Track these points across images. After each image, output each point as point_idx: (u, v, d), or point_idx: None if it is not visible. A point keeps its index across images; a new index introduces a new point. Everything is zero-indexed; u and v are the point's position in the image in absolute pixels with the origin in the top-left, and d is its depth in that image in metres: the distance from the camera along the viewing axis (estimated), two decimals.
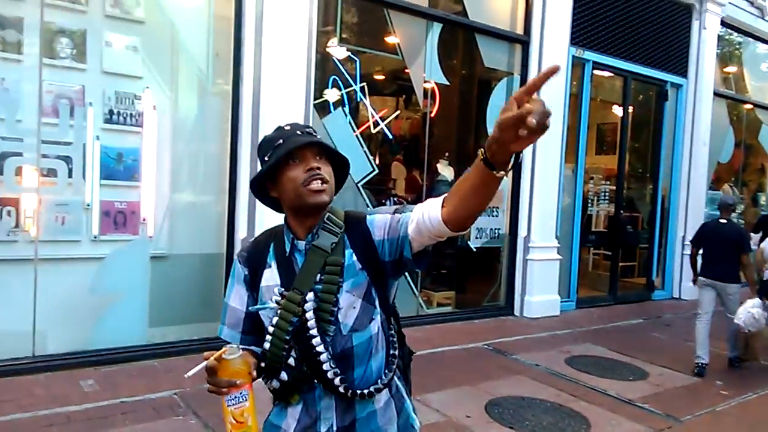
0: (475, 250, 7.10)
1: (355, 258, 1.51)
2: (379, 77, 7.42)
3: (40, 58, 4.47)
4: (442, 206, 1.34)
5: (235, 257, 1.64)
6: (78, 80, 4.65)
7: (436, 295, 7.08)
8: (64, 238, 4.64)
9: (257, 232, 4.92)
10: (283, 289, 1.50)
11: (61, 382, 4.24)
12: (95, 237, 4.75)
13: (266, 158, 1.53)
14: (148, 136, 4.95)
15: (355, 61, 6.14)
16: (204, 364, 1.36)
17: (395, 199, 6.95)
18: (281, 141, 1.51)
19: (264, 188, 1.58)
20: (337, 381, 1.48)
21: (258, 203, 4.91)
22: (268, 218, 1.75)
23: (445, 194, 1.35)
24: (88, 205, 4.72)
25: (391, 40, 6.41)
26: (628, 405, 4.56)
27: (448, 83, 6.94)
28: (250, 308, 1.57)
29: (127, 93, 4.85)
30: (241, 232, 5.14)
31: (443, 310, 7.03)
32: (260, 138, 4.99)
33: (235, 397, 1.33)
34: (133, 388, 4.22)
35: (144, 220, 4.97)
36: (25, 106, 4.45)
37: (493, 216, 7.21)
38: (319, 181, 1.48)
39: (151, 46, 4.97)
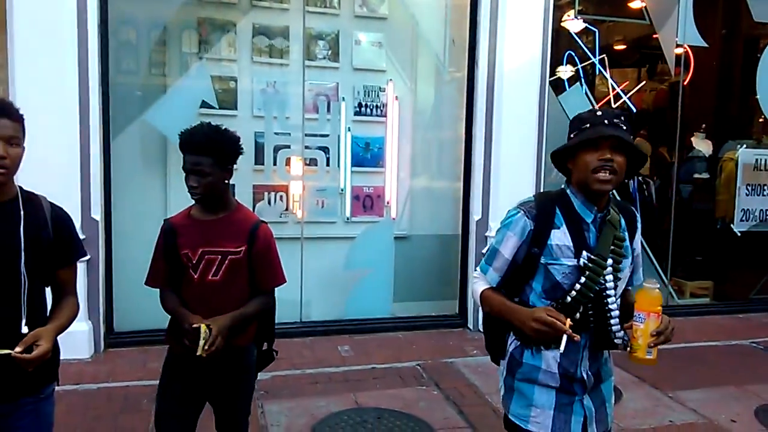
0: (739, 234, 6.19)
1: (628, 240, 1.83)
2: (620, 47, 6.86)
3: (303, 61, 5.08)
4: None
5: (518, 212, 1.79)
6: (333, 78, 5.19)
7: (690, 285, 6.36)
8: (323, 220, 5.25)
9: (492, 215, 5.06)
10: (589, 254, 1.73)
11: (323, 346, 4.83)
12: (348, 219, 5.29)
13: (572, 136, 1.75)
14: (391, 125, 5.32)
15: (594, 32, 5.77)
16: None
17: (639, 178, 6.38)
18: (588, 126, 1.69)
19: (563, 158, 1.79)
20: (620, 334, 1.74)
21: (491, 186, 5.05)
22: (503, 201, 1.91)
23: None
24: (342, 190, 5.26)
25: (636, 4, 5.89)
26: None
27: (706, 46, 6.12)
28: (542, 260, 1.75)
29: (373, 86, 5.27)
30: (475, 215, 5.24)
31: (698, 302, 6.29)
32: (494, 123, 5.09)
33: (640, 317, 1.65)
34: (381, 356, 4.62)
35: (388, 203, 5.37)
36: (292, 105, 5.12)
37: (763, 195, 6.20)
38: (607, 172, 1.66)
39: (394, 40, 5.31)
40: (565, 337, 1.60)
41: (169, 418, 2.18)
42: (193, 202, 2.16)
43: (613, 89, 5.93)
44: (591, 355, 1.80)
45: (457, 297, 5.40)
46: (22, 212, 1.74)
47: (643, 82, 6.71)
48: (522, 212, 1.78)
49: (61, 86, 4.12)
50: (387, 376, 4.24)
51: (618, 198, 2.01)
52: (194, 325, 1.97)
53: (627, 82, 6.24)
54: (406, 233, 5.46)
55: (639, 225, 1.90)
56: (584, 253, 1.73)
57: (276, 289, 2.32)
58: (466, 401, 3.79)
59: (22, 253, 1.71)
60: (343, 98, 5.20)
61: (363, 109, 5.27)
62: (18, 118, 1.72)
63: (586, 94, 5.73)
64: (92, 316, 4.34)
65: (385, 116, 5.31)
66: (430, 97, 5.55)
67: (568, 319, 1.64)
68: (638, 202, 6.16)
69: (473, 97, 5.27)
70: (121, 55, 4.70)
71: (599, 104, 5.81)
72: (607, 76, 5.89)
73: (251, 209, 4.94)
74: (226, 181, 2.14)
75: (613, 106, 5.92)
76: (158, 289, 2.21)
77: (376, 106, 5.30)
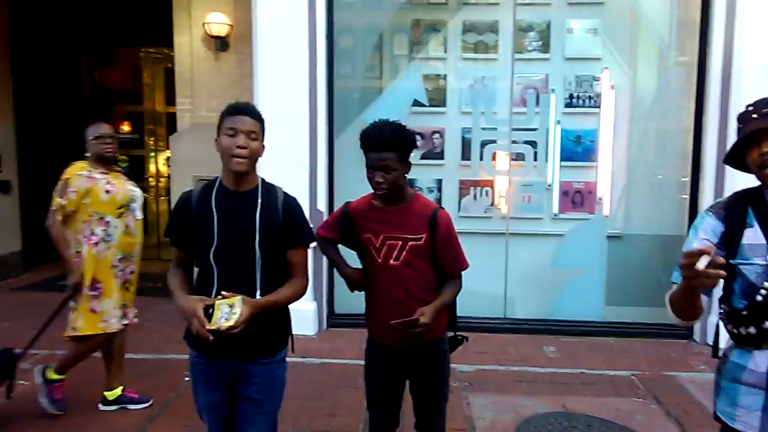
0: None
1: None
2: None
3: (512, 55, 5.02)
4: None
5: (707, 214, 1.75)
6: (542, 70, 5.04)
7: None
8: (529, 216, 5.13)
9: None
10: None
11: (527, 345, 4.73)
12: (555, 215, 5.10)
13: (739, 128, 1.70)
14: (605, 116, 5.00)
15: None
16: None
17: None
18: (755, 116, 1.64)
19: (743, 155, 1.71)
20: None
21: (725, 185, 4.46)
22: None
23: None
24: (549, 186, 5.08)
25: None
26: None
27: None
28: (731, 261, 1.65)
29: (586, 76, 5.00)
30: None
31: None
32: (731, 115, 4.48)
33: None
34: (591, 361, 4.38)
35: (600, 199, 5.06)
36: (499, 99, 5.09)
37: None
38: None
39: (611, 25, 4.98)
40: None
41: (378, 403, 2.36)
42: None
43: None
44: None
45: None
46: (259, 200, 2.03)
47: None
48: (711, 214, 1.74)
49: (295, 92, 4.62)
50: (598, 383, 4.01)
51: None
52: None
53: None
54: (621, 232, 5.09)
55: None
56: None
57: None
58: (692, 421, 3.42)
59: (257, 234, 1.99)
60: (553, 90, 5.02)
61: (574, 100, 5.03)
62: (257, 118, 2.02)
63: None
64: (317, 297, 4.83)
65: (599, 107, 5.00)
66: (650, 84, 5.09)
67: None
68: None
69: (704, 85, 4.72)
70: (342, 60, 5.11)
71: None
72: None
73: (457, 204, 5.05)
74: (406, 175, 2.22)
75: None
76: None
77: (589, 96, 5.02)
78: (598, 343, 4.79)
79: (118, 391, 3.50)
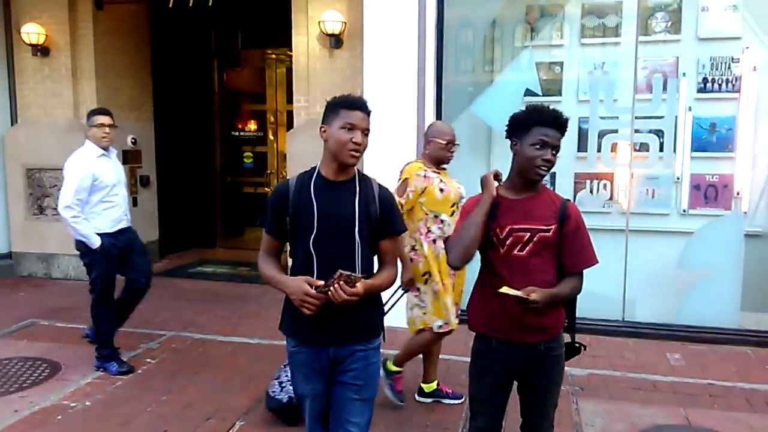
0: None
1: None
2: None
3: (636, 37, 4.65)
4: None
5: None
6: (671, 52, 4.63)
7: None
8: (653, 211, 4.74)
9: None
10: None
11: (648, 351, 4.37)
12: (684, 211, 4.67)
13: None
14: (746, 101, 4.48)
15: None
16: None
17: None
18: None
19: None
20: None
21: None
22: None
23: None
24: (678, 179, 4.66)
25: None
26: None
27: None
28: None
29: (723, 57, 4.52)
30: None
31: None
32: None
33: None
34: (722, 371, 3.96)
35: (738, 194, 4.55)
36: (621, 86, 4.74)
37: None
38: None
39: (753, 0, 4.45)
40: None
41: (482, 402, 2.26)
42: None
43: None
44: None
45: None
46: (358, 189, 2.07)
47: None
48: None
49: (402, 86, 4.62)
50: (728, 396, 3.61)
51: None
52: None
53: None
54: (761, 230, 4.55)
55: None
56: None
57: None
58: None
59: (356, 222, 2.04)
60: (684, 74, 4.58)
61: (708, 84, 4.56)
62: (368, 113, 2.07)
63: None
64: None
65: (738, 91, 4.50)
66: None
67: None
68: None
69: None
70: (451, 52, 5.01)
71: None
72: None
73: (572, 198, 4.79)
74: None
75: None
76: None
77: (726, 79, 4.53)
78: (732, 352, 4.32)
79: (434, 384, 3.58)
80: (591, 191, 4.84)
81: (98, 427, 3.19)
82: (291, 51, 6.09)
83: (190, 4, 5.49)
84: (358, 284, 1.94)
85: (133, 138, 6.74)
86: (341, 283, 1.92)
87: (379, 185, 2.15)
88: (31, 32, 6.10)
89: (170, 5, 5.61)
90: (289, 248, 2.17)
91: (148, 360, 4.10)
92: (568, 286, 2.13)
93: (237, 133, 8.52)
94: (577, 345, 2.28)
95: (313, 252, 2.03)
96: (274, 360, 4.08)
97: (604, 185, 4.84)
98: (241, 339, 4.50)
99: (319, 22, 5.65)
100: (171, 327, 4.75)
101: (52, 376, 3.81)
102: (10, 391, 3.60)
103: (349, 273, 1.93)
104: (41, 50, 6.21)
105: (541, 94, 4.88)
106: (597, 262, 2.14)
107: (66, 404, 3.43)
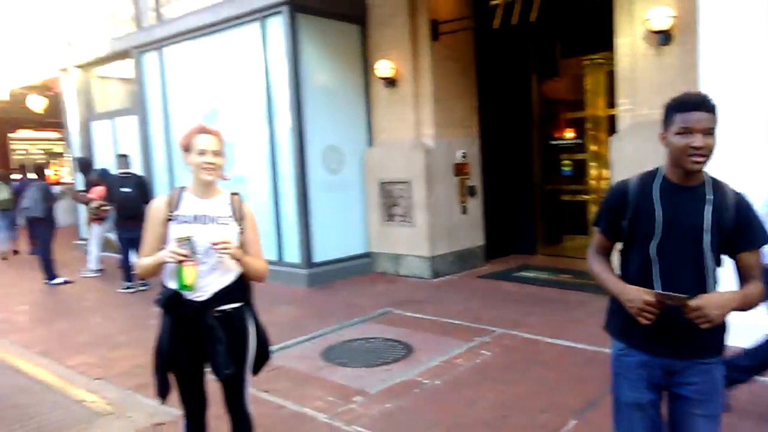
0: None
1: None
2: None
3: None
4: None
5: None
6: None
7: None
8: None
9: None
10: None
11: None
12: None
13: None
14: None
15: None
16: None
17: None
18: None
19: None
20: None
21: None
22: None
23: None
24: None
25: None
26: None
27: None
28: None
29: None
30: None
31: None
32: None
33: None
34: None
35: None
36: None
37: None
38: None
39: None
40: None
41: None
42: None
43: None
44: None
45: None
46: (709, 197, 1.94)
47: None
48: None
49: (747, 80, 4.14)
50: None
51: None
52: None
53: None
54: None
55: None
56: None
57: None
58: None
59: (707, 234, 1.90)
60: None
61: None
62: (712, 110, 1.89)
63: None
64: None
65: None
66: None
67: None
68: None
69: None
70: None
71: None
72: None
73: None
74: None
75: None
76: None
77: None
78: None
79: None
80: None
81: (448, 403, 3.70)
82: (612, 54, 5.99)
83: (515, 22, 5.86)
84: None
85: (463, 152, 7.50)
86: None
87: (735, 191, 1.97)
88: (383, 68, 7.31)
89: (497, 26, 6.07)
90: (621, 247, 2.11)
91: (483, 352, 4.54)
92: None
93: (555, 142, 8.67)
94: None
95: (654, 259, 1.94)
96: (602, 367, 4.09)
97: None
98: (568, 342, 4.62)
99: (644, 21, 5.46)
100: (500, 324, 5.15)
101: (407, 356, 4.54)
102: (377, 363, 4.42)
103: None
104: (390, 82, 7.38)
105: None
106: None
107: (420, 380, 4.06)
